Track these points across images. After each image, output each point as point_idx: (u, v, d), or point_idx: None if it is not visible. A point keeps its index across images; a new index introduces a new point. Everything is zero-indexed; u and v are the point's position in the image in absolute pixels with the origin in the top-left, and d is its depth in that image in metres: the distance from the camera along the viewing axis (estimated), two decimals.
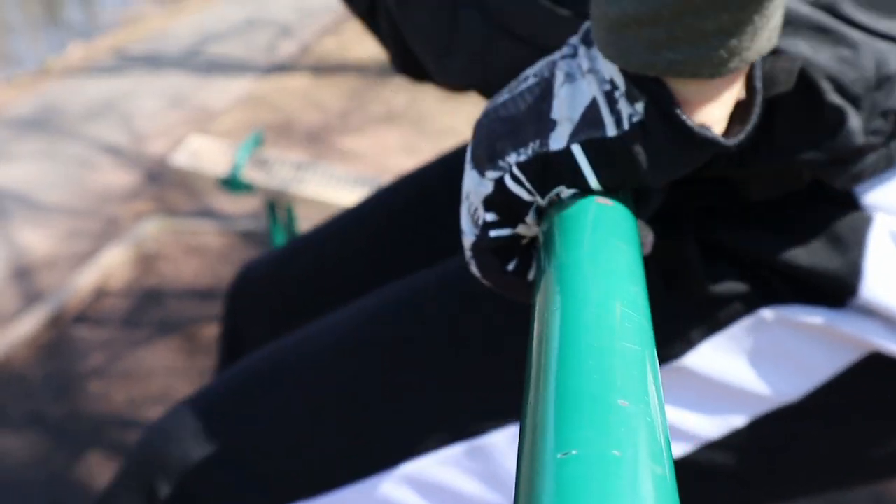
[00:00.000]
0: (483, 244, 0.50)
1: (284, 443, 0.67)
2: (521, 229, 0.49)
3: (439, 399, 0.64)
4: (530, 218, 0.48)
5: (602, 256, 0.41)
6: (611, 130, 0.44)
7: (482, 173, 0.48)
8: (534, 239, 0.51)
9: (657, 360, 0.35)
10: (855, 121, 0.50)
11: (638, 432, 0.28)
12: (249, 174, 2.33)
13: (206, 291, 2.75)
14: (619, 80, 0.44)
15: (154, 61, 5.74)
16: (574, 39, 0.48)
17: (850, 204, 0.57)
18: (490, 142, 0.47)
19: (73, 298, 2.71)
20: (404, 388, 0.65)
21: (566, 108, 0.46)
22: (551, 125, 0.46)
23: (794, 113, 0.51)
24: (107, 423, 2.17)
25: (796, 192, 0.57)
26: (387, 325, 0.68)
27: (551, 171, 0.46)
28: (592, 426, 0.28)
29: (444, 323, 0.66)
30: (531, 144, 0.46)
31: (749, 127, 0.46)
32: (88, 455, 2.06)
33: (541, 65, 0.48)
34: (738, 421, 0.60)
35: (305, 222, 3.05)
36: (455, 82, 0.65)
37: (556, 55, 0.48)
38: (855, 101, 0.50)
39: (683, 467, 0.60)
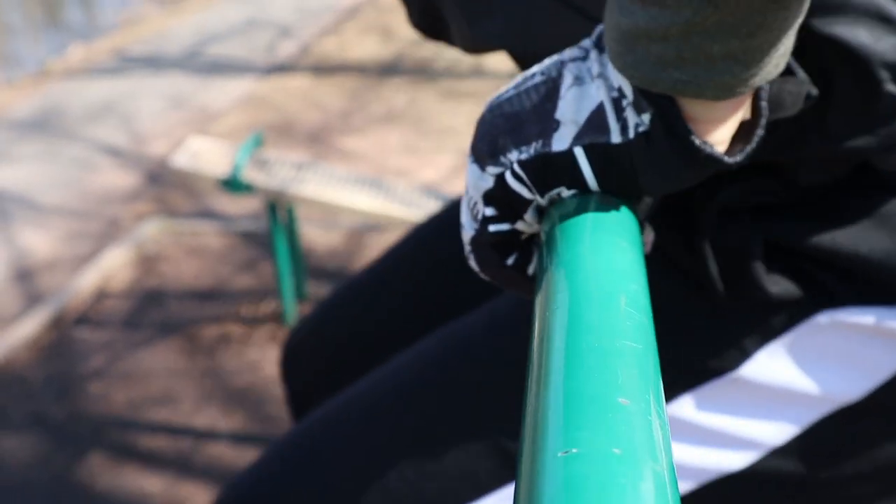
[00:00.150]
0: (482, 239, 0.50)
1: (353, 495, 0.68)
2: (519, 225, 0.49)
3: (498, 438, 0.64)
4: (529, 216, 0.48)
5: (603, 255, 0.41)
6: (615, 137, 0.44)
7: (483, 168, 0.48)
8: (533, 234, 0.51)
9: (658, 359, 0.35)
10: None
11: (639, 431, 0.28)
12: (250, 175, 2.33)
13: (206, 292, 2.75)
14: (627, 90, 0.44)
15: (154, 62, 5.74)
16: (586, 42, 0.48)
17: None
18: (492, 137, 0.47)
19: (74, 300, 2.71)
20: (463, 430, 0.65)
21: (572, 110, 0.45)
22: (555, 126, 0.46)
23: (849, 100, 0.51)
24: (108, 424, 2.17)
25: (847, 180, 0.56)
26: (442, 371, 0.69)
27: (552, 171, 0.46)
28: (593, 425, 0.28)
29: (497, 364, 0.66)
30: (534, 144, 0.46)
31: (751, 147, 0.46)
32: (89, 456, 2.06)
33: (548, 63, 0.48)
34: (801, 425, 0.60)
35: (306, 222, 3.06)
36: (488, 45, 0.64)
37: (565, 55, 0.48)
38: None
39: (751, 476, 0.60)
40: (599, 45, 0.47)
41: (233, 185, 2.30)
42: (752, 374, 0.59)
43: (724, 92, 0.42)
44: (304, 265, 2.70)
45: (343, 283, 1.01)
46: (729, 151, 0.46)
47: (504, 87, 0.49)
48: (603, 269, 0.39)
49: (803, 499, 0.63)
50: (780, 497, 0.63)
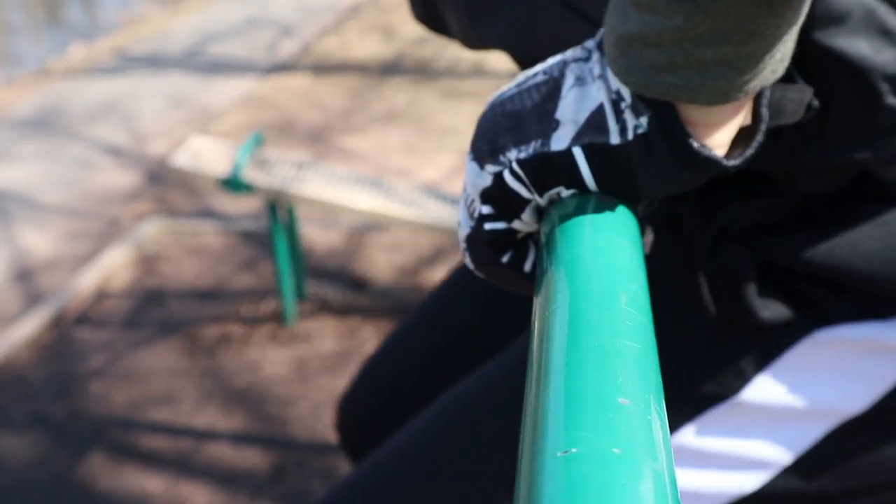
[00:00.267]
0: (477, 236, 0.50)
1: None
2: (516, 224, 0.49)
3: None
4: (527, 215, 0.48)
5: (603, 255, 0.41)
6: (614, 138, 0.44)
7: (482, 166, 0.48)
8: (529, 233, 0.51)
9: (658, 358, 0.35)
10: None
11: (638, 430, 0.28)
12: (250, 174, 2.33)
13: (206, 292, 2.75)
14: (626, 93, 0.44)
15: (155, 62, 5.74)
16: (590, 43, 0.48)
17: None
18: (492, 136, 0.47)
19: (74, 299, 2.71)
20: (495, 471, 0.66)
21: (572, 110, 0.45)
22: (555, 125, 0.46)
23: (849, 112, 0.51)
24: (108, 424, 2.17)
25: (842, 191, 0.56)
26: (471, 414, 0.70)
27: (550, 170, 0.46)
28: (593, 424, 0.28)
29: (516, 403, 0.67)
30: (533, 143, 0.46)
31: (750, 152, 0.46)
32: (90, 456, 2.06)
33: (551, 63, 0.48)
34: (809, 440, 0.60)
35: (306, 222, 3.06)
36: (489, 44, 0.64)
37: (568, 55, 0.48)
38: None
39: (765, 497, 0.61)
40: (602, 47, 0.46)
41: (233, 184, 2.30)
42: (753, 397, 0.60)
43: (718, 97, 0.42)
44: (305, 265, 2.70)
45: (390, 332, 1.02)
46: (728, 155, 0.46)
47: (506, 86, 0.49)
48: (603, 269, 0.39)
49: None
50: None
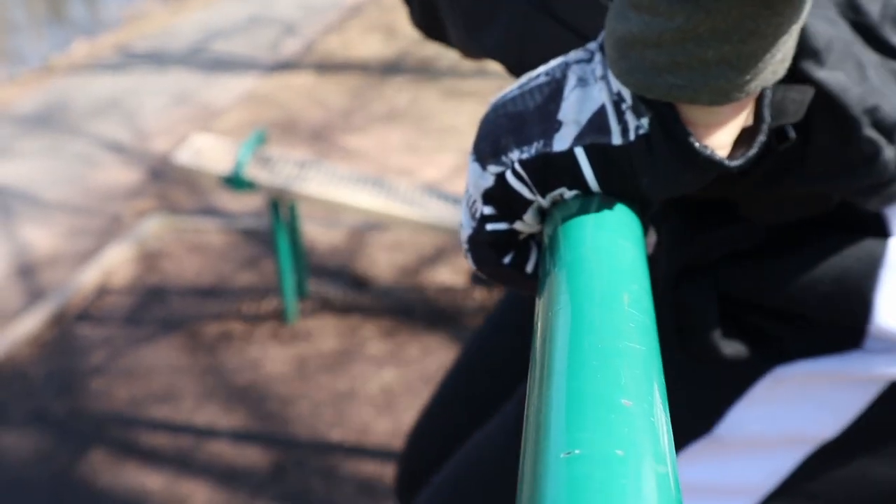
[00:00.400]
0: (479, 237, 0.50)
1: None
2: (518, 225, 0.49)
3: None
4: (529, 216, 0.48)
5: (606, 256, 0.41)
6: (616, 139, 0.44)
7: (484, 167, 0.48)
8: (531, 234, 0.51)
9: (661, 360, 0.35)
10: (889, 152, 0.51)
11: (641, 432, 0.28)
12: (252, 172, 2.33)
13: (208, 289, 2.76)
14: (626, 95, 0.44)
15: (158, 59, 5.74)
16: (592, 45, 0.48)
17: (876, 227, 0.57)
18: (495, 136, 0.47)
19: (76, 296, 2.71)
20: None
21: (574, 111, 0.46)
22: (557, 126, 0.46)
23: (828, 143, 0.51)
24: (109, 421, 2.17)
25: (805, 224, 0.57)
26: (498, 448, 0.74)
27: (552, 171, 0.46)
28: (596, 426, 0.28)
29: None
30: (535, 143, 0.46)
31: (752, 152, 0.46)
32: (91, 453, 2.06)
33: (553, 64, 0.48)
34: (789, 466, 0.61)
35: (308, 220, 3.06)
36: (483, 54, 0.64)
37: (570, 57, 0.48)
38: (889, 133, 0.50)
39: None
40: (603, 49, 0.47)
41: (235, 182, 2.30)
42: (727, 432, 0.61)
43: (719, 97, 0.42)
44: (306, 263, 2.70)
45: (437, 387, 1.04)
46: (731, 156, 0.46)
47: (509, 87, 0.49)
48: (605, 270, 0.39)
49: None
50: None
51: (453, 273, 2.74)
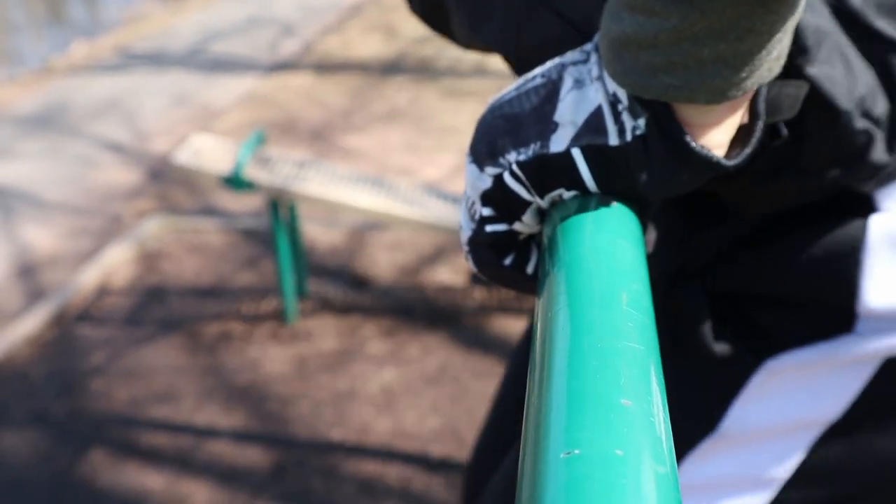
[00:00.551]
0: (479, 239, 0.50)
1: None
2: (517, 226, 0.49)
3: None
4: (528, 217, 0.48)
5: (605, 256, 0.41)
6: (613, 139, 0.44)
7: (482, 168, 0.48)
8: (531, 234, 0.51)
9: (660, 359, 0.35)
10: (881, 141, 0.51)
11: (641, 432, 0.28)
12: (252, 172, 2.33)
13: (208, 290, 2.76)
14: (622, 95, 0.44)
15: (157, 59, 5.74)
16: (588, 46, 0.48)
17: (863, 206, 0.57)
18: (491, 138, 0.48)
19: (76, 296, 2.71)
20: None
21: (571, 112, 0.46)
22: (553, 127, 0.46)
23: (822, 139, 0.51)
24: (109, 421, 2.17)
25: (795, 211, 0.58)
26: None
27: (550, 172, 0.46)
28: (595, 426, 0.28)
29: None
30: (532, 145, 0.46)
31: (749, 150, 0.46)
32: (91, 453, 2.06)
33: (549, 66, 0.48)
34: (799, 452, 0.62)
35: (308, 220, 3.06)
36: (483, 46, 0.65)
37: (566, 58, 0.48)
38: (878, 122, 0.51)
39: None
40: (599, 49, 0.47)
41: (235, 182, 2.30)
42: (733, 428, 0.62)
43: (716, 96, 0.42)
44: (306, 263, 2.70)
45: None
46: (727, 155, 0.46)
47: (505, 89, 0.49)
48: (604, 270, 0.39)
49: None
50: None
51: (453, 273, 2.75)
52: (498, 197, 0.48)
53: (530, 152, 0.46)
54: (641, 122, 0.44)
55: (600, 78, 0.45)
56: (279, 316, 2.55)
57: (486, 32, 0.63)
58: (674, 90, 0.42)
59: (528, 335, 0.98)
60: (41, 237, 3.21)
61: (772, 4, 0.38)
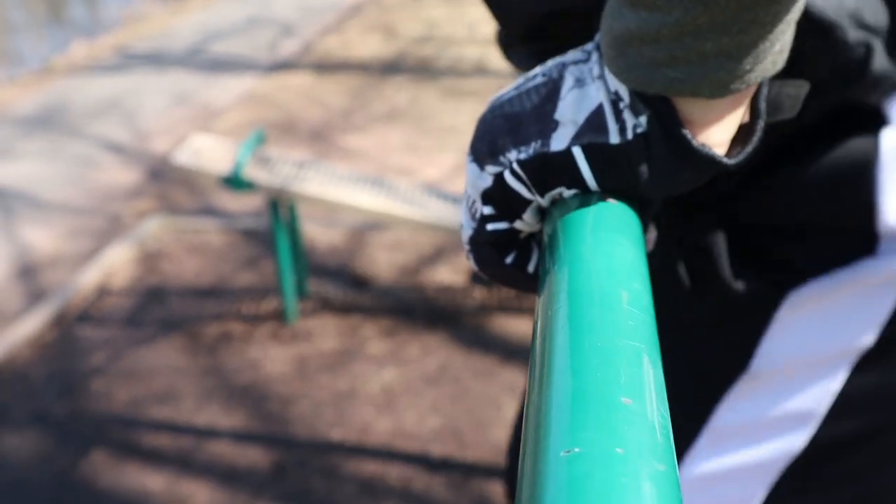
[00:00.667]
0: (480, 238, 0.50)
1: None
2: (518, 224, 0.49)
3: None
4: (529, 215, 0.48)
5: (605, 254, 0.41)
6: (614, 138, 0.44)
7: (482, 167, 0.48)
8: (532, 233, 0.51)
9: (660, 358, 0.35)
10: (880, 50, 0.51)
11: (641, 430, 0.28)
12: (251, 172, 2.33)
13: (208, 290, 2.76)
14: (624, 93, 0.44)
15: (157, 60, 5.74)
16: (588, 45, 0.48)
17: (874, 119, 0.57)
18: (492, 137, 0.48)
19: (76, 297, 2.71)
20: None
21: (572, 110, 0.46)
22: (554, 125, 0.46)
23: (818, 54, 0.51)
24: (110, 422, 2.17)
25: (805, 131, 0.57)
26: None
27: (551, 171, 0.46)
28: (596, 424, 0.28)
29: None
30: (533, 144, 0.46)
31: (750, 148, 0.46)
32: (92, 453, 2.06)
33: (550, 65, 0.48)
34: (836, 384, 0.61)
35: (307, 220, 3.06)
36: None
37: (567, 58, 0.48)
38: (876, 30, 0.51)
39: (818, 450, 0.61)
40: (601, 48, 0.47)
41: (235, 182, 2.30)
42: (764, 366, 0.61)
43: (719, 89, 0.42)
44: (306, 263, 2.70)
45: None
46: (728, 154, 0.46)
47: (506, 88, 0.49)
48: (605, 269, 0.39)
49: (872, 451, 0.63)
50: (852, 460, 0.63)
51: (453, 272, 2.75)
52: (498, 195, 0.48)
53: (531, 151, 0.46)
54: (643, 119, 0.44)
55: (601, 77, 0.45)
56: (279, 316, 2.55)
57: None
58: (678, 84, 0.42)
59: None
60: (41, 238, 3.21)
61: None
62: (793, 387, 0.61)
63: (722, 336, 0.61)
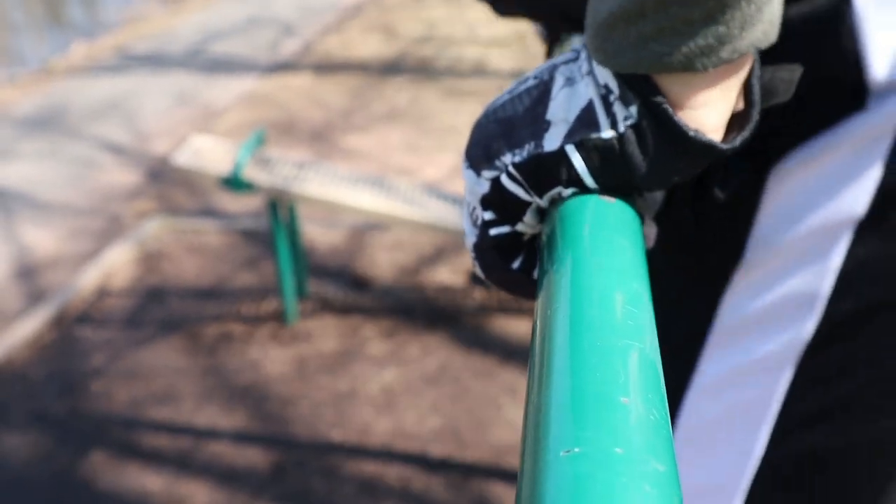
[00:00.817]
0: (483, 243, 0.50)
1: None
2: (520, 227, 0.49)
3: None
4: (529, 217, 0.49)
5: (603, 254, 0.41)
6: (606, 132, 0.44)
7: (479, 173, 0.48)
8: (536, 236, 0.51)
9: (659, 357, 0.35)
10: None
11: (640, 430, 0.28)
12: (251, 173, 2.33)
13: (208, 290, 2.76)
14: (613, 85, 0.44)
15: (157, 60, 5.74)
16: (577, 45, 0.48)
17: None
18: (486, 143, 0.48)
19: (76, 298, 2.71)
20: None
21: (563, 109, 0.46)
22: (546, 126, 0.46)
23: None
24: (109, 422, 2.17)
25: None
26: None
27: (546, 171, 0.46)
28: (595, 424, 0.28)
29: None
30: (527, 146, 0.46)
31: (746, 133, 0.45)
32: (91, 454, 2.06)
33: (542, 67, 0.49)
34: (837, 258, 0.57)
35: (307, 221, 3.06)
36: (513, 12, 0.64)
37: (558, 60, 0.48)
38: None
39: (831, 332, 0.58)
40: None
41: (234, 183, 2.30)
42: (760, 251, 0.59)
43: (709, 58, 0.41)
44: (306, 264, 2.70)
45: None
46: (724, 141, 0.46)
47: (499, 94, 0.50)
48: (603, 268, 0.39)
49: (879, 326, 0.59)
50: (867, 339, 0.59)
51: (453, 273, 2.75)
52: (497, 200, 0.48)
53: (525, 153, 0.46)
54: (633, 109, 0.44)
55: (591, 72, 0.45)
56: (279, 317, 2.55)
57: None
58: (667, 58, 0.41)
59: None
60: (41, 238, 3.21)
61: None
62: (792, 269, 0.58)
63: (712, 228, 0.59)
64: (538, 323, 0.38)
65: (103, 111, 4.72)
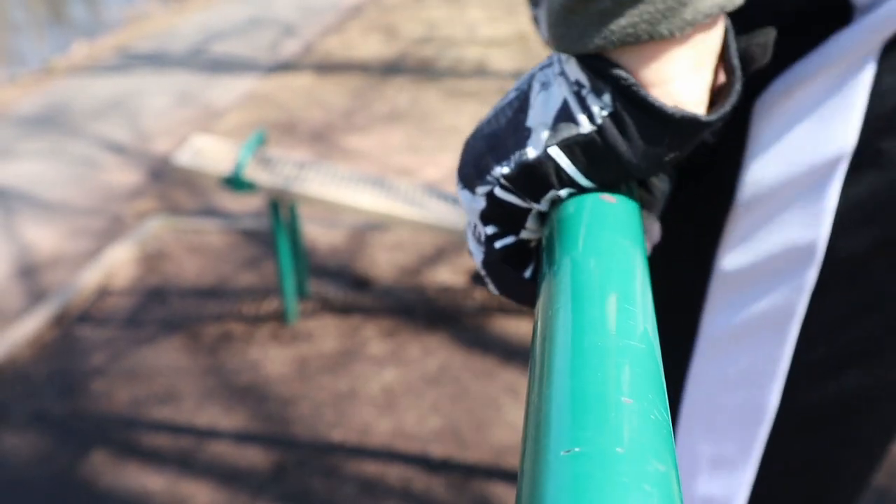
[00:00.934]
0: (491, 258, 0.50)
1: None
2: (524, 235, 0.49)
3: None
4: (531, 223, 0.49)
5: (602, 253, 0.41)
6: (585, 127, 0.44)
7: (473, 191, 0.48)
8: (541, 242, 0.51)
9: (660, 357, 0.35)
10: None
11: (641, 430, 0.28)
12: (252, 173, 2.33)
13: (209, 290, 2.76)
14: (583, 78, 0.44)
15: (158, 60, 5.75)
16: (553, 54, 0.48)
17: None
18: (476, 160, 0.48)
19: (77, 297, 2.71)
20: None
21: (541, 114, 0.46)
22: (527, 133, 0.46)
23: None
24: (110, 422, 2.17)
25: None
26: None
27: (536, 177, 0.46)
28: (596, 424, 0.28)
29: None
30: (513, 156, 0.46)
31: (729, 104, 0.45)
32: (92, 454, 2.06)
33: (522, 78, 0.49)
34: (832, 198, 0.55)
35: (308, 221, 3.06)
36: None
37: (535, 68, 0.49)
38: None
39: (834, 276, 0.56)
40: None
41: (235, 183, 2.30)
42: (750, 187, 0.57)
43: (672, 20, 0.41)
44: (307, 264, 2.70)
45: None
46: (709, 112, 0.45)
47: (498, 95, 0.50)
48: (603, 268, 0.39)
49: (882, 266, 0.57)
50: (868, 281, 0.58)
51: (453, 273, 2.75)
52: (496, 213, 0.48)
53: (512, 163, 0.47)
54: (607, 98, 0.44)
55: (562, 73, 0.46)
56: (280, 316, 2.55)
57: None
58: (633, 28, 0.41)
59: None
60: (42, 238, 3.21)
61: None
62: (786, 215, 0.56)
63: (701, 173, 0.58)
64: (539, 323, 0.38)
65: (104, 111, 4.72)
